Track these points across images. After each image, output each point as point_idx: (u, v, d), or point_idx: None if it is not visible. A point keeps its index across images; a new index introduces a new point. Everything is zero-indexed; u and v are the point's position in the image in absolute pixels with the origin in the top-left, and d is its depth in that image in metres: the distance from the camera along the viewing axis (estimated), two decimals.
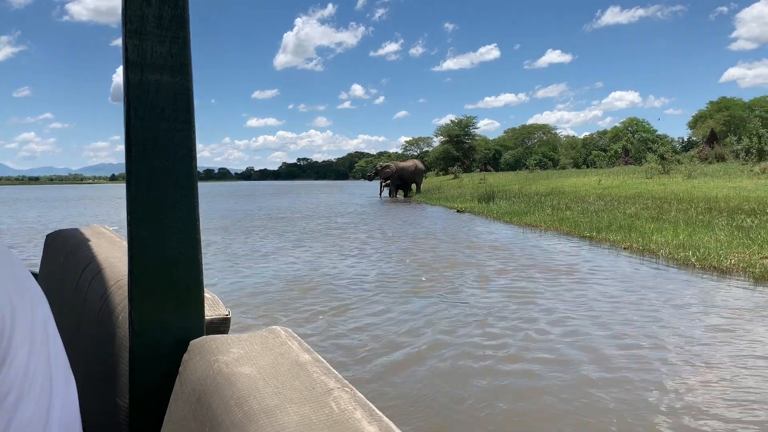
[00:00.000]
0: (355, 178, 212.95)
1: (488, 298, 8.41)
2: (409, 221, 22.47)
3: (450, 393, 4.87)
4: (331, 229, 20.21)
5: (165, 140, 0.99)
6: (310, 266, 11.63)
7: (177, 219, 1.00)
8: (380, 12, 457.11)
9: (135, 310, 0.98)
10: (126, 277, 1.29)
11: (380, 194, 48.06)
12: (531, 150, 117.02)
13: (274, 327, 0.98)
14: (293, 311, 7.73)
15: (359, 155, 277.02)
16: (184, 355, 0.96)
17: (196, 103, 1.07)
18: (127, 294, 1.20)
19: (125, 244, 1.76)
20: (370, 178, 50.08)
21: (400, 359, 5.75)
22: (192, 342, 0.97)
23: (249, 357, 0.84)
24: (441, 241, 15.43)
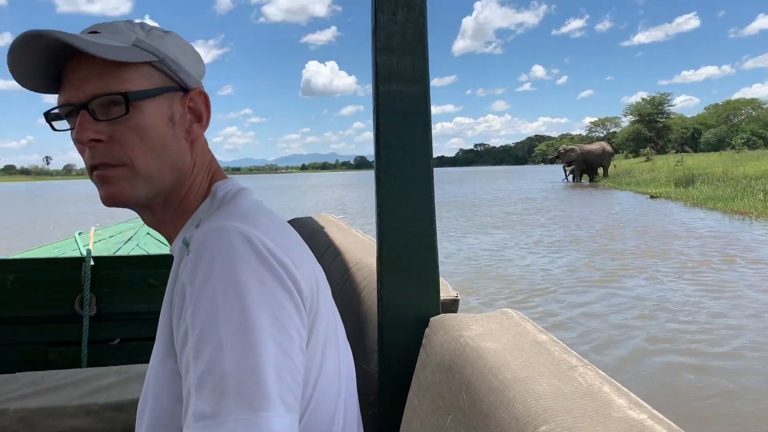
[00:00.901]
0: (534, 162, 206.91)
1: (689, 291, 7.81)
2: (596, 208, 21.45)
3: (683, 387, 4.66)
4: (514, 215, 19.97)
5: (407, 141, 1.13)
6: (494, 255, 11.65)
7: (417, 210, 1.14)
8: None
9: (383, 289, 1.13)
10: (362, 260, 1.47)
11: (565, 179, 46.31)
12: (737, 128, 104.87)
13: (506, 309, 1.08)
14: (481, 296, 7.84)
15: (539, 138, 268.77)
16: (426, 330, 1.09)
17: None
18: (365, 275, 1.38)
19: (354, 231, 1.98)
20: (551, 162, 48.46)
21: (625, 351, 5.57)
22: (432, 319, 1.10)
23: (490, 334, 0.95)
24: (633, 230, 14.55)
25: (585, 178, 44.91)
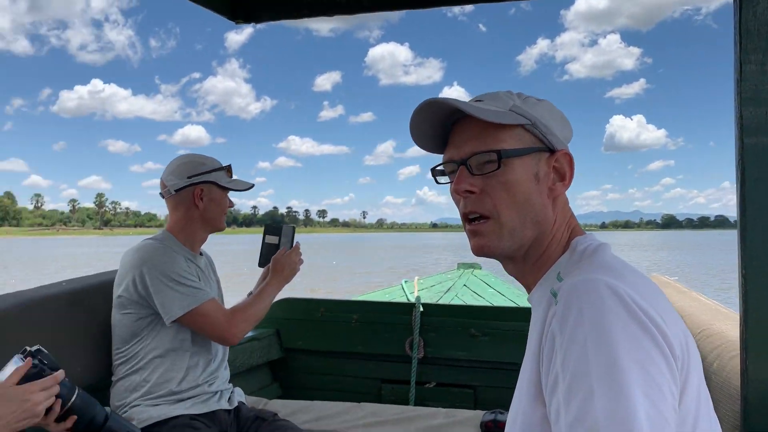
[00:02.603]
0: None
1: None
2: None
3: None
4: None
5: None
6: None
7: None
8: None
9: (749, 361, 1.04)
10: (711, 326, 1.36)
11: None
12: None
13: None
14: None
15: None
16: None
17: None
18: (716, 343, 1.28)
19: (695, 294, 1.85)
20: None
21: None
22: None
23: None
24: None
25: None
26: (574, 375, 0.75)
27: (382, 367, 3.07)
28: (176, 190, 2.12)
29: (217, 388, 2.11)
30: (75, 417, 1.39)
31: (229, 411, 2.11)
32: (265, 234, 2.27)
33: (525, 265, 1.02)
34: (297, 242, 2.28)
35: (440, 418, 2.34)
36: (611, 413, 0.71)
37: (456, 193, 1.00)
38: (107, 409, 1.49)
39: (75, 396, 1.39)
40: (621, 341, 0.75)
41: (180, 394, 2.00)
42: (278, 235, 2.26)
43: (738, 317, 1.09)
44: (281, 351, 3.16)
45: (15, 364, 1.31)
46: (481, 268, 5.25)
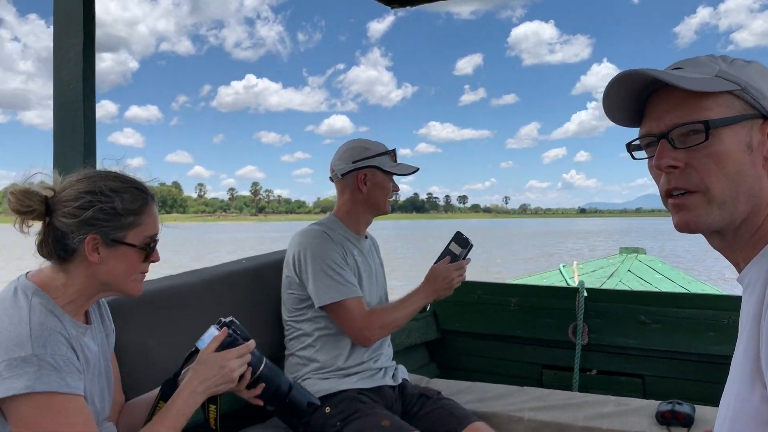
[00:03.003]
0: None
1: None
2: None
3: None
4: None
5: None
6: None
7: None
8: None
9: None
10: None
11: None
12: None
13: None
14: None
15: None
16: None
17: None
18: None
19: None
20: None
21: None
22: None
23: None
24: None
25: None
26: None
27: (543, 352, 3.00)
28: (342, 175, 2.19)
29: (382, 365, 2.17)
30: (263, 384, 1.49)
31: (393, 387, 2.16)
32: (452, 240, 2.19)
33: (736, 240, 0.94)
34: (468, 259, 2.17)
35: (610, 406, 2.24)
36: None
37: (657, 169, 0.94)
38: (290, 379, 1.58)
39: (263, 365, 1.48)
40: None
41: (347, 370, 2.08)
42: (464, 247, 2.16)
43: None
44: (438, 332, 3.18)
45: (212, 334, 1.42)
46: (645, 253, 4.93)
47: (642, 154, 1.00)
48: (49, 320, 1.22)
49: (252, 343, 1.45)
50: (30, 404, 1.15)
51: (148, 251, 1.35)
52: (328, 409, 1.98)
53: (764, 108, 0.91)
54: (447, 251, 2.18)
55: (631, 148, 1.01)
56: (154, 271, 1.50)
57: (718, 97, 0.90)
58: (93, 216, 1.26)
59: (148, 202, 1.35)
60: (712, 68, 0.92)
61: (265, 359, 1.50)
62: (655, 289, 3.85)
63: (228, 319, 1.47)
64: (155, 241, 1.37)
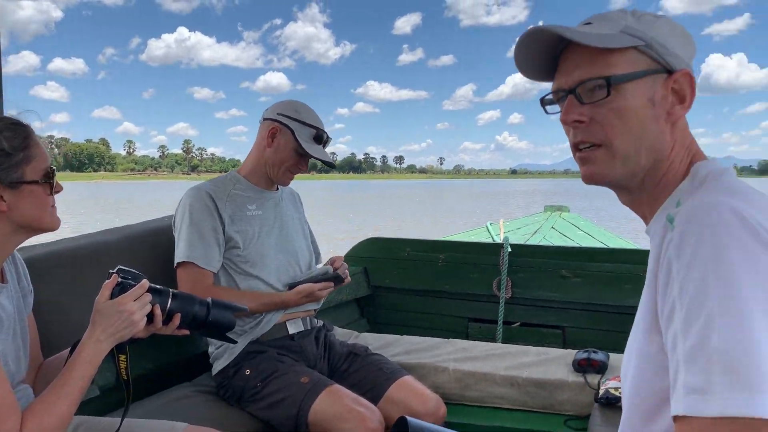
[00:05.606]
0: None
1: None
2: None
3: None
4: None
5: None
6: None
7: None
8: None
9: None
10: None
11: None
12: None
13: None
14: None
15: None
16: None
17: None
18: None
19: None
20: None
21: None
22: None
23: None
24: None
25: None
26: (692, 301, 0.72)
27: (469, 306, 3.08)
28: (264, 119, 2.16)
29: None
30: (179, 315, 1.45)
31: (317, 344, 2.16)
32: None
33: (641, 194, 0.97)
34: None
35: (531, 356, 2.33)
36: (731, 339, 0.68)
37: (565, 123, 0.96)
38: (208, 299, 1.53)
39: (170, 298, 1.44)
40: (742, 264, 0.72)
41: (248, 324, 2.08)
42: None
43: None
44: (369, 288, 3.22)
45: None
46: (569, 211, 5.11)
47: (555, 108, 1.00)
48: None
49: (145, 282, 1.38)
50: None
51: (52, 182, 1.33)
52: (248, 371, 1.99)
53: (668, 63, 0.92)
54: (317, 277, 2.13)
55: (544, 102, 1.02)
56: None
57: (624, 52, 0.91)
58: None
59: (29, 134, 1.32)
60: (619, 23, 0.93)
61: (171, 291, 1.45)
62: (577, 245, 4.02)
63: (115, 268, 1.42)
64: (53, 170, 1.34)
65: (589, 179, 0.97)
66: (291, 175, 2.18)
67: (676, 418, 0.72)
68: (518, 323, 3.00)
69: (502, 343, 2.83)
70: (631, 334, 0.95)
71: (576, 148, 0.96)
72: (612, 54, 0.91)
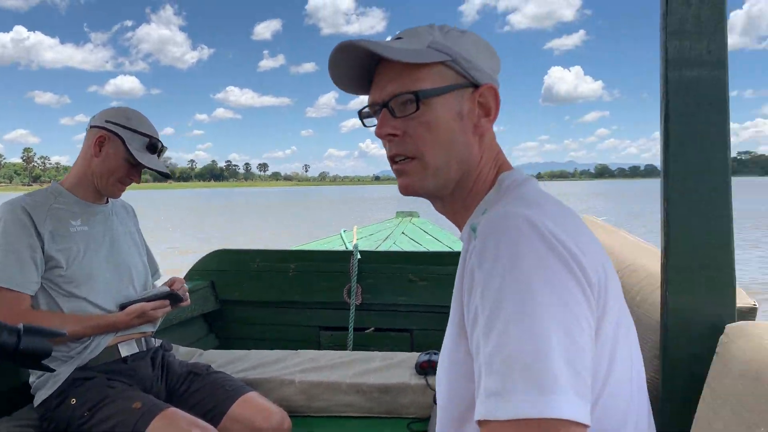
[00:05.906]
0: None
1: None
2: None
3: None
4: None
5: (701, 131, 1.06)
6: None
7: (712, 207, 1.05)
8: None
9: (670, 293, 1.07)
10: (635, 262, 1.41)
11: None
12: None
13: None
14: None
15: None
16: (721, 337, 1.01)
17: None
18: (640, 277, 1.32)
19: (622, 233, 1.91)
20: None
21: None
22: (729, 326, 1.01)
23: None
24: None
25: None
26: (492, 308, 0.75)
27: (320, 314, 3.08)
28: (90, 126, 2.01)
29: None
30: None
31: (153, 368, 2.03)
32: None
33: (454, 203, 1.01)
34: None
35: (377, 361, 2.37)
36: (524, 344, 0.71)
37: (379, 137, 0.98)
38: (19, 326, 1.39)
39: None
40: (536, 272, 0.75)
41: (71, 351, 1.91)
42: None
43: (659, 253, 1.12)
44: (217, 303, 3.12)
45: None
46: (419, 216, 5.29)
47: (373, 121, 1.02)
48: None
49: None
50: None
51: None
52: (73, 401, 1.83)
53: (473, 78, 0.96)
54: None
55: (362, 115, 1.03)
56: None
57: (432, 67, 0.94)
58: None
59: None
60: (426, 39, 0.96)
61: None
62: (424, 249, 4.17)
63: None
64: None
65: (405, 190, 0.99)
66: (122, 187, 2.05)
67: (479, 423, 0.73)
68: (372, 329, 3.04)
69: (353, 350, 2.85)
70: (444, 339, 0.97)
71: (392, 160, 0.99)
72: (420, 69, 0.93)
